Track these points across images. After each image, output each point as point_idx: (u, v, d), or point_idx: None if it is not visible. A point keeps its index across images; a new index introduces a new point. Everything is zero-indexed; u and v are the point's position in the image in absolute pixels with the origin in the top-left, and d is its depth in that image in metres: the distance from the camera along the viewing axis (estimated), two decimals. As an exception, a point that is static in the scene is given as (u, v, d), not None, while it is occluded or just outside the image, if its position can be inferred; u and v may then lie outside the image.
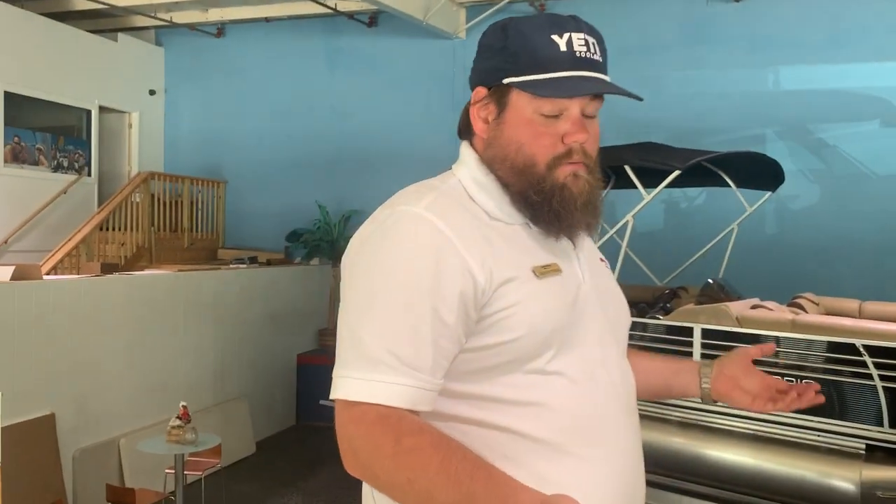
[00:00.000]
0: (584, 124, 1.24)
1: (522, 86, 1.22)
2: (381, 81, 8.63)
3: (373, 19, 8.62)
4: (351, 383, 1.13)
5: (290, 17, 8.94)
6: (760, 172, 5.24)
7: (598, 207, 1.28)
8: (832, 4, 6.92)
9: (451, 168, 1.34)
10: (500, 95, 1.25)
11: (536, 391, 1.19)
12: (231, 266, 7.81)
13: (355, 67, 8.81)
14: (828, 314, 4.70)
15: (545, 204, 1.23)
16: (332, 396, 1.15)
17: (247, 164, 9.27)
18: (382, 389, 1.12)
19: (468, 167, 1.30)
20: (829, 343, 4.02)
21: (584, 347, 1.24)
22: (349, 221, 8.25)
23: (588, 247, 1.36)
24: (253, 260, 8.16)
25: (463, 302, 1.15)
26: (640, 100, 1.23)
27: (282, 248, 8.76)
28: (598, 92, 1.22)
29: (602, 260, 1.44)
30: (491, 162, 1.27)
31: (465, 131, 1.34)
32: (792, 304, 4.77)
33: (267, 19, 9.04)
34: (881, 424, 4.24)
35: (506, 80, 1.23)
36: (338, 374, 1.16)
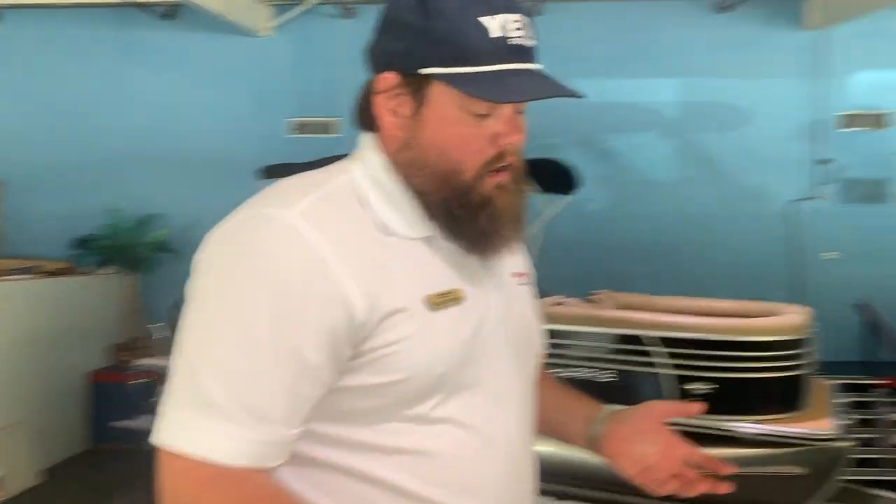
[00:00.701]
0: (518, 123, 1.08)
1: (451, 81, 1.01)
2: (180, 78, 8.17)
3: (169, 12, 8.14)
4: (181, 430, 0.95)
5: (75, 5, 8.22)
6: (558, 178, 5.59)
7: (523, 221, 1.13)
8: (619, 24, 7.50)
9: (347, 159, 1.13)
10: (417, 86, 1.04)
11: (417, 440, 1.03)
12: (7, 278, 7.02)
13: (150, 62, 8.27)
14: (622, 308, 5.10)
15: (471, 220, 1.06)
16: (156, 440, 0.97)
17: (27, 164, 8.40)
18: (220, 444, 0.93)
19: (368, 166, 1.10)
20: (621, 335, 4.36)
21: (478, 389, 1.08)
22: (147, 225, 7.73)
23: (506, 262, 1.18)
24: (32, 270, 7.40)
25: (333, 338, 0.98)
26: (582, 97, 1.06)
27: (69, 255, 8.03)
28: (547, 96, 1.02)
29: (520, 274, 1.25)
30: (406, 166, 1.07)
31: (367, 122, 1.12)
32: (589, 300, 5.12)
33: (48, 6, 8.24)
34: (666, 409, 4.66)
35: (427, 71, 1.03)
36: (167, 412, 0.97)
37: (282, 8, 7.86)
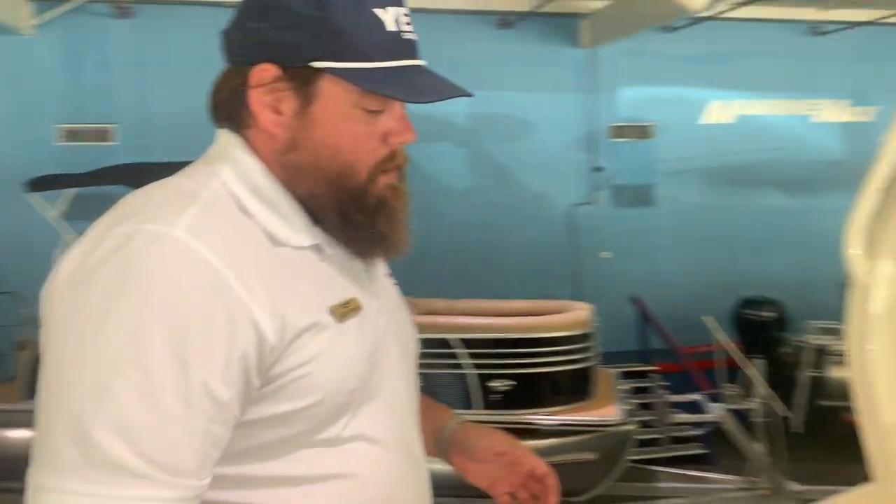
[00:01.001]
0: (409, 122, 1.00)
1: (349, 77, 0.91)
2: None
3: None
4: (72, 502, 0.77)
5: None
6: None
7: (408, 223, 1.05)
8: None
9: (206, 161, 0.98)
10: (304, 81, 0.92)
11: (332, 464, 0.94)
12: None
13: None
14: (423, 314, 5.19)
15: (370, 225, 0.97)
16: None
17: None
18: None
19: (241, 168, 0.95)
20: (425, 339, 4.44)
21: (380, 400, 1.00)
22: None
23: (380, 265, 1.10)
24: None
25: (244, 369, 0.85)
26: (471, 95, 1.00)
27: None
28: (447, 97, 0.97)
29: (388, 274, 1.18)
30: (292, 168, 0.95)
31: (233, 119, 0.98)
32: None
33: None
34: (470, 407, 4.82)
35: (320, 65, 0.91)
36: (44, 484, 0.78)
37: (44, 5, 7.16)
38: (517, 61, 7.72)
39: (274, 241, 0.93)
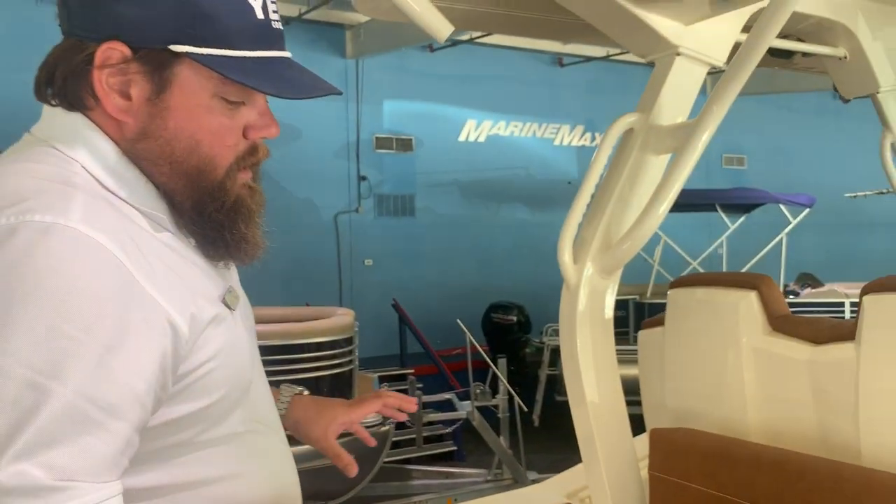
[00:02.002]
0: (271, 114, 0.92)
1: (210, 63, 0.82)
2: None
3: None
4: None
5: None
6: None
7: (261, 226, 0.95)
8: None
9: (39, 142, 0.85)
10: (158, 65, 0.83)
11: (229, 461, 0.89)
12: None
13: None
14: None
15: (229, 224, 0.89)
16: None
17: None
18: None
19: (94, 151, 0.84)
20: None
21: (256, 389, 0.96)
22: None
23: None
24: None
25: (162, 370, 0.79)
26: (340, 93, 0.93)
27: None
28: (320, 94, 0.89)
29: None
30: (147, 160, 0.86)
31: (70, 100, 0.85)
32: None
33: None
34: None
35: (181, 49, 0.81)
36: None
37: None
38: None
39: (154, 227, 0.85)
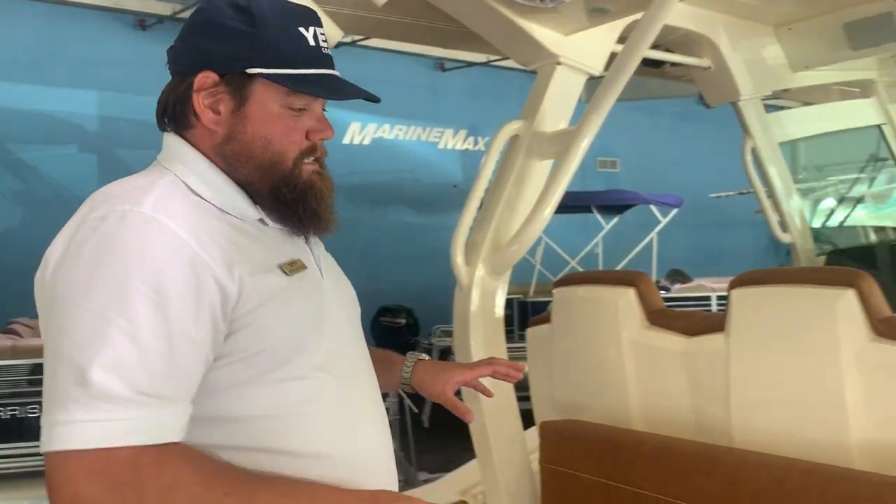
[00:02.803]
0: (327, 121, 1.19)
1: (277, 80, 1.10)
2: None
3: None
4: (81, 428, 0.93)
5: None
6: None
7: (334, 206, 1.21)
8: (35, 26, 6.87)
9: (156, 164, 1.14)
10: (239, 85, 1.11)
11: (296, 400, 1.09)
12: None
13: None
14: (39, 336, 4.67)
15: (301, 202, 1.15)
16: (51, 448, 0.94)
17: None
18: (133, 427, 0.94)
19: (186, 163, 1.13)
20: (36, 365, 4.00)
21: (333, 344, 1.16)
22: None
23: (317, 241, 1.26)
24: None
25: (213, 316, 1.02)
26: (378, 101, 1.18)
27: None
28: (358, 97, 1.18)
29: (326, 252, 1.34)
30: (231, 159, 1.13)
31: (179, 121, 1.14)
32: (7, 331, 4.55)
33: None
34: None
35: (253, 71, 1.10)
36: (56, 420, 0.94)
37: None
38: (154, 65, 7.36)
39: (224, 214, 1.10)
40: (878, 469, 1.42)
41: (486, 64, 9.06)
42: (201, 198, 1.10)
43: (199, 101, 1.11)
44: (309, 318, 1.13)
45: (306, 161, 1.16)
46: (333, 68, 1.18)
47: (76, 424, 0.94)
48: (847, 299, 1.49)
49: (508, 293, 2.01)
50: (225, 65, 1.11)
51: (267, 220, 1.15)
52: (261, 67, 1.10)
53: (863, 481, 1.38)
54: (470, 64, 9.21)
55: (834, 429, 1.48)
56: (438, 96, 9.35)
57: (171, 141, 1.16)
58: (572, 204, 7.78)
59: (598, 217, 8.28)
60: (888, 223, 4.41)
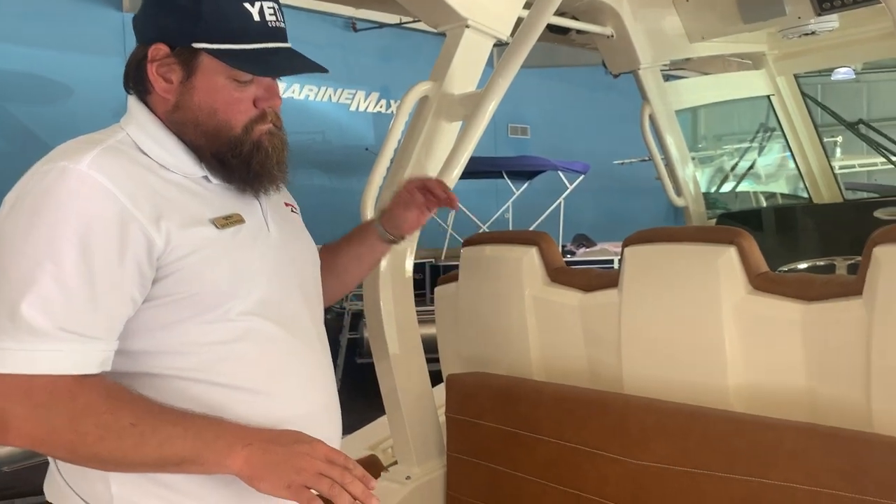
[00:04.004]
0: (276, 89, 1.27)
1: (219, 55, 1.18)
2: None
3: None
4: (10, 356, 1.05)
5: None
6: None
7: (286, 163, 1.30)
8: None
9: (117, 123, 1.25)
10: (187, 58, 1.20)
11: (224, 339, 1.18)
12: None
13: None
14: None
15: (244, 166, 1.24)
16: None
17: None
18: (54, 357, 1.07)
19: (140, 124, 1.23)
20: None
21: (270, 293, 1.24)
22: None
23: (275, 196, 1.34)
24: None
25: (138, 264, 1.12)
26: (326, 71, 1.23)
27: None
28: (298, 72, 1.25)
29: (288, 205, 1.44)
30: (179, 125, 1.23)
31: (138, 87, 1.25)
32: None
33: None
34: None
35: (197, 46, 1.19)
36: None
37: None
38: (47, 16, 6.97)
39: (167, 171, 1.20)
40: (751, 410, 1.56)
41: (398, 25, 8.98)
42: (147, 156, 1.20)
43: (153, 71, 1.21)
44: (240, 268, 1.21)
45: (258, 126, 1.25)
46: (285, 41, 1.25)
47: (5, 352, 1.06)
48: (728, 256, 1.61)
49: (421, 257, 2.07)
50: (174, 38, 1.20)
51: (211, 177, 1.24)
52: (205, 43, 1.19)
53: (738, 421, 1.51)
54: (382, 25, 9.11)
55: (714, 375, 1.61)
56: (350, 57, 9.23)
57: (131, 103, 1.26)
58: (484, 170, 7.90)
59: (509, 183, 8.43)
60: (774, 189, 4.70)
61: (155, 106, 1.24)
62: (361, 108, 9.53)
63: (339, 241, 1.66)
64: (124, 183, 1.13)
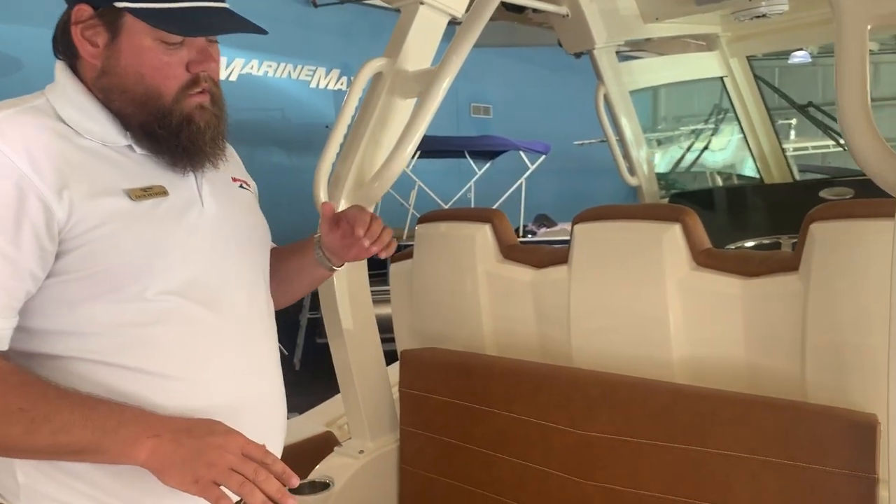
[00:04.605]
0: (210, 52, 1.18)
1: (141, 15, 1.10)
2: None
3: None
4: None
5: None
6: None
7: (223, 139, 1.22)
8: None
9: (43, 89, 1.17)
10: (111, 18, 1.12)
11: (138, 320, 1.10)
12: None
13: None
14: None
15: (172, 139, 1.15)
16: None
17: None
18: None
19: (63, 89, 1.16)
20: None
21: (196, 271, 1.16)
22: None
23: (217, 173, 1.25)
24: None
25: (36, 235, 1.04)
26: (265, 33, 1.15)
27: None
28: (227, 32, 1.15)
29: (238, 180, 1.35)
30: (106, 91, 1.15)
31: (66, 52, 1.17)
32: None
33: None
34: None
35: (119, 5, 1.11)
36: None
37: None
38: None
39: (82, 138, 1.12)
40: (694, 382, 1.61)
41: (359, 2, 8.91)
42: (65, 123, 1.12)
43: (77, 34, 1.14)
44: (157, 244, 1.12)
45: (191, 93, 1.16)
46: (219, 0, 1.17)
47: None
48: (673, 233, 1.65)
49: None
50: None
51: (136, 147, 1.16)
52: (127, 2, 1.11)
53: (677, 392, 1.56)
54: (343, 1, 9.02)
55: (659, 348, 1.66)
56: (310, 33, 9.12)
57: (57, 68, 1.20)
58: (446, 149, 7.90)
59: (471, 162, 8.44)
60: (731, 170, 4.79)
61: (84, 72, 1.16)
62: (322, 86, 9.44)
63: (284, 249, 1.53)
64: (26, 149, 1.05)
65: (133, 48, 1.12)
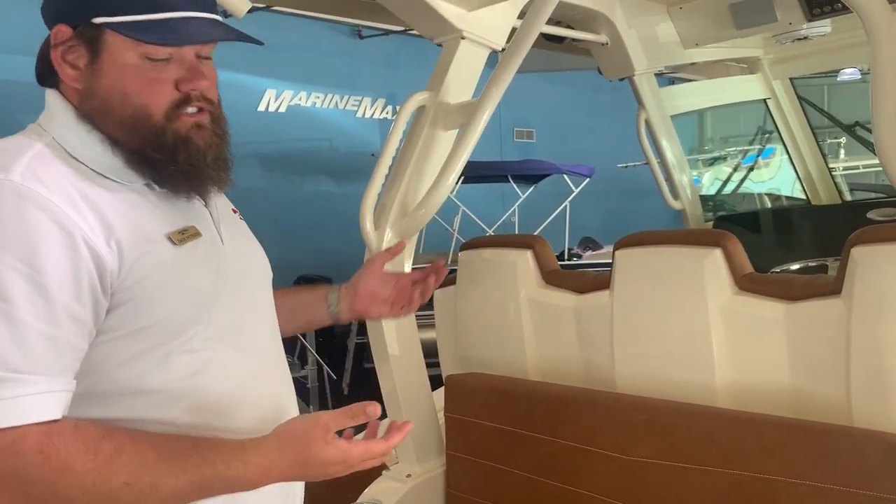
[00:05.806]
0: (201, 69, 1.08)
1: (121, 28, 1.01)
2: None
3: None
4: None
5: None
6: None
7: (228, 160, 1.13)
8: None
9: (36, 124, 1.08)
10: (90, 37, 1.04)
11: (184, 374, 1.04)
12: None
13: None
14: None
15: (169, 162, 1.06)
16: None
17: None
18: (9, 407, 0.89)
19: (61, 122, 1.06)
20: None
21: (231, 314, 1.11)
22: None
23: (221, 202, 1.20)
24: None
25: (92, 287, 0.97)
26: (261, 44, 1.09)
27: None
28: (212, 40, 1.07)
29: (235, 211, 1.28)
30: (94, 116, 1.05)
31: (49, 77, 1.08)
32: None
33: None
34: None
35: (98, 21, 1.02)
36: None
37: None
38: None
39: (104, 179, 1.04)
40: (737, 406, 1.62)
41: (403, 32, 9.06)
42: (79, 161, 1.03)
43: (57, 57, 1.05)
44: (202, 289, 1.07)
45: (183, 112, 1.06)
46: (210, 11, 1.08)
47: None
48: (714, 257, 1.67)
49: (427, 261, 2.12)
50: (74, 16, 1.03)
51: (154, 184, 1.08)
52: (105, 16, 1.01)
53: (720, 417, 1.56)
54: (388, 32, 9.20)
55: (702, 373, 1.67)
56: (356, 64, 9.31)
57: (49, 98, 1.09)
58: (489, 174, 7.96)
59: (515, 186, 8.49)
60: (770, 191, 4.74)
61: (71, 99, 1.07)
62: (367, 115, 9.62)
63: (290, 291, 1.50)
64: (67, 193, 0.98)
65: (115, 66, 1.03)
